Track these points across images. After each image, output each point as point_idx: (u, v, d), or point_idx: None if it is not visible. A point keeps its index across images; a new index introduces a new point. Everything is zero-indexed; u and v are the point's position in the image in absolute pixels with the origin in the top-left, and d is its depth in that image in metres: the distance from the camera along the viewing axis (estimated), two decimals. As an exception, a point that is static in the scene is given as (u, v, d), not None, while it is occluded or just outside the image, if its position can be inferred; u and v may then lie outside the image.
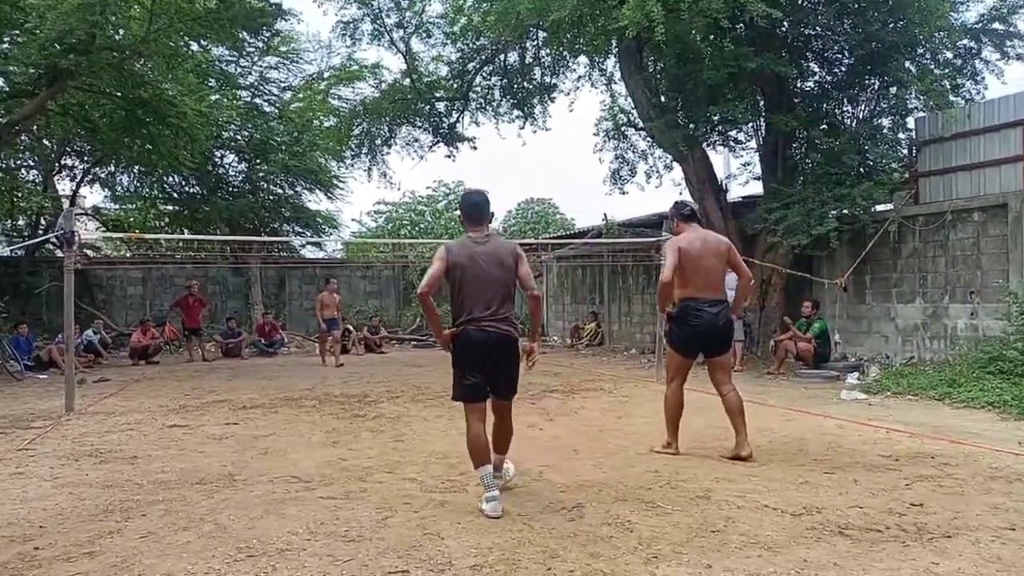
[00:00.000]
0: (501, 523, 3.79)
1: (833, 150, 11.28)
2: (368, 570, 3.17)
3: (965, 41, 11.39)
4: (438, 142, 17.09)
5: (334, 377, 11.40)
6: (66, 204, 16.69)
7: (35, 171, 17.97)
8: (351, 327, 16.24)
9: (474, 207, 4.47)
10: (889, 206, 11.09)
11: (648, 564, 3.19)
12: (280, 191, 19.73)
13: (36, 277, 16.60)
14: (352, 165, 18.73)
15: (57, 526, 3.89)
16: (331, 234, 21.58)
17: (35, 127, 14.51)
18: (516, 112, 16.49)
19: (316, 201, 20.59)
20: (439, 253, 4.33)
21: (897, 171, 11.50)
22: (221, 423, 7.21)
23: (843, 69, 12.17)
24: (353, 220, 27.61)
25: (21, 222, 18.13)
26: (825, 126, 11.90)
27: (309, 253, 22.18)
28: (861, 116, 11.98)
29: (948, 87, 11.16)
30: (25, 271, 16.56)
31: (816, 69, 12.68)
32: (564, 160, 58.00)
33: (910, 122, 11.47)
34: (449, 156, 17.21)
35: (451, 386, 4.37)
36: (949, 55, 11.42)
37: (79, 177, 18.17)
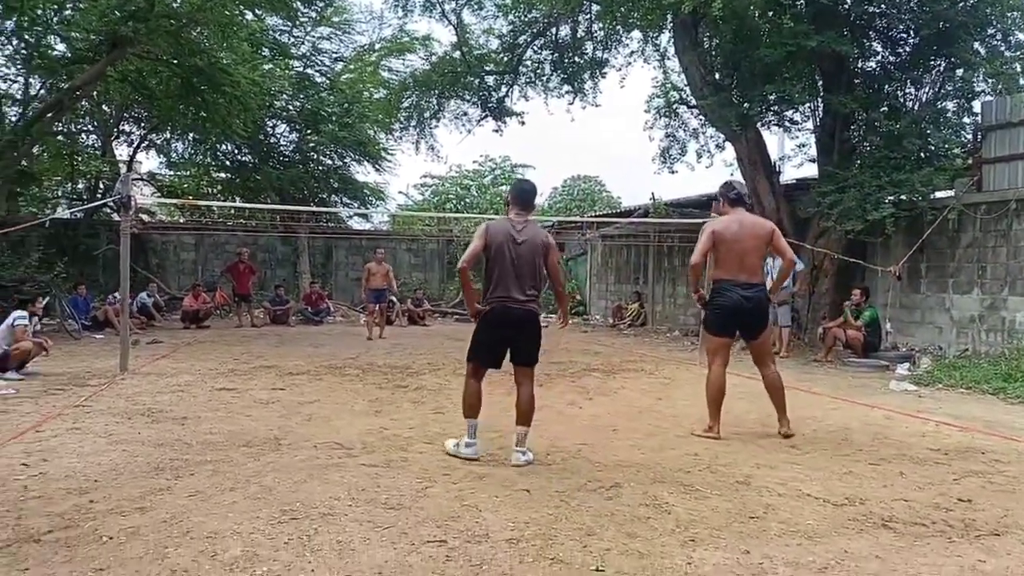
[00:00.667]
0: (538, 499, 3.81)
1: (893, 133, 10.89)
2: (407, 538, 3.22)
3: (1039, 22, 10.88)
4: (486, 116, 17.01)
5: (378, 348, 11.56)
6: (123, 169, 17.12)
7: (94, 136, 18.48)
8: (395, 298, 16.41)
9: (523, 193, 4.83)
10: (949, 193, 10.70)
11: (685, 547, 3.18)
12: (329, 162, 19.95)
13: (94, 240, 17.14)
14: (400, 138, 18.83)
15: (111, 481, 4.03)
16: (378, 206, 21.79)
17: (95, 93, 14.90)
18: (566, 87, 16.31)
19: (364, 173, 20.79)
20: (479, 230, 4.66)
21: (960, 157, 11.09)
22: (268, 388, 7.38)
23: (907, 49, 11.72)
24: (400, 192, 27.76)
25: (80, 186, 18.71)
26: (886, 108, 11.49)
27: (356, 224, 22.42)
28: (924, 99, 11.54)
29: (1019, 70, 10.68)
30: (83, 233, 17.09)
31: (879, 49, 12.21)
32: (613, 137, 57.36)
33: (976, 106, 11.01)
34: (497, 131, 17.15)
35: (472, 340, 4.76)
36: (1021, 36, 10.93)
37: (136, 143, 18.63)
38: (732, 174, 14.11)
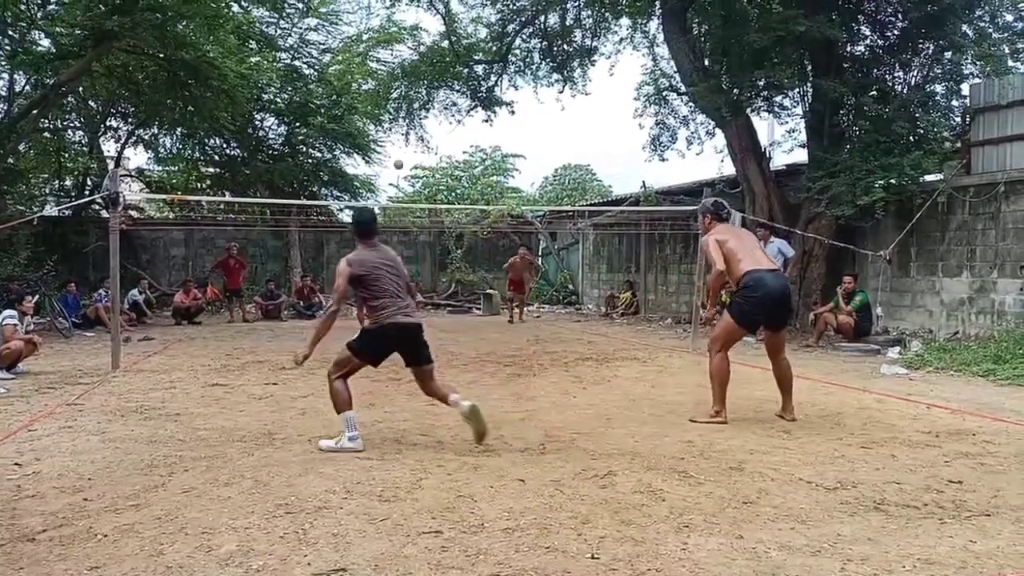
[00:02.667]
0: (533, 488, 3.82)
1: (882, 117, 10.91)
2: (403, 529, 3.23)
3: (1027, 3, 10.89)
4: (476, 106, 16.94)
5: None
6: (111, 165, 17.00)
7: (81, 132, 18.31)
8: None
9: (363, 224, 5.11)
10: (939, 176, 10.73)
11: (679, 533, 3.20)
12: (319, 154, 19.83)
13: (83, 237, 17.01)
14: (390, 129, 18.72)
15: (105, 479, 4.03)
16: (368, 198, 21.68)
17: (81, 88, 14.76)
18: (555, 76, 16.25)
19: (354, 165, 20.68)
20: (342, 267, 4.88)
21: (949, 140, 11.11)
22: (261, 383, 7.37)
23: (896, 33, 11.73)
24: (390, 184, 27.66)
25: (68, 182, 18.55)
26: (875, 92, 11.49)
27: (347, 217, 22.33)
28: (913, 82, 11.55)
29: (1007, 52, 10.69)
30: (72, 231, 16.96)
31: (867, 32, 12.22)
32: (603, 126, 57.27)
33: (964, 89, 11.04)
34: (487, 120, 17.07)
35: (356, 342, 4.95)
36: (1009, 18, 10.95)
37: (123, 138, 18.48)
38: (723, 161, 14.13)
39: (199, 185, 19.98)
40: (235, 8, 14.55)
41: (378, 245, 5.07)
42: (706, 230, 5.81)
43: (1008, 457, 4.53)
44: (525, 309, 16.33)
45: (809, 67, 12.16)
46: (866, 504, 3.60)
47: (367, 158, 20.30)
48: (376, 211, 5.51)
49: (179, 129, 17.53)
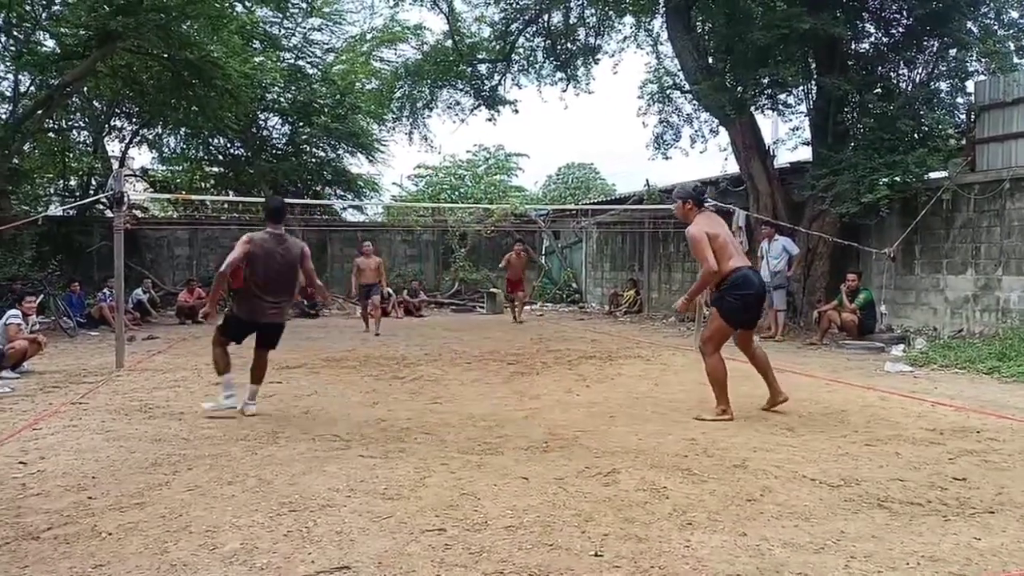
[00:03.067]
0: (536, 486, 3.82)
1: (887, 115, 10.88)
2: (406, 527, 3.23)
3: (1032, 0, 10.85)
4: (479, 105, 16.96)
5: (374, 340, 11.56)
6: (115, 165, 17.04)
7: (85, 132, 18.37)
8: (391, 290, 16.37)
9: (273, 210, 5.79)
10: (943, 174, 10.70)
11: (683, 531, 3.20)
12: (322, 154, 19.87)
13: (87, 236, 17.06)
14: (393, 128, 18.73)
15: (109, 477, 4.04)
16: (372, 198, 21.71)
17: (85, 89, 14.80)
18: (559, 74, 16.27)
19: (358, 164, 20.72)
20: (242, 240, 5.54)
21: (953, 137, 11.07)
22: (264, 381, 7.36)
23: (900, 30, 11.69)
24: (394, 184, 27.66)
25: (73, 182, 18.61)
26: (879, 90, 11.46)
27: (350, 216, 22.38)
28: (917, 80, 11.52)
29: (1012, 49, 10.65)
30: (76, 230, 17.01)
31: (872, 30, 12.19)
32: (606, 125, 57.24)
33: (969, 86, 11.00)
34: (490, 119, 17.11)
35: (224, 323, 5.87)
36: (1015, 15, 10.91)
37: (128, 138, 18.53)
38: (726, 159, 14.13)
39: (203, 185, 20.03)
40: (239, 8, 14.58)
41: (284, 235, 5.70)
42: (684, 216, 5.71)
43: (1012, 454, 4.51)
44: (525, 308, 16.12)
45: (813, 65, 12.14)
46: (870, 501, 3.59)
47: (371, 157, 20.35)
48: (284, 200, 6.45)
49: (183, 129, 17.59)
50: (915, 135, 10.85)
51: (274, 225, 5.67)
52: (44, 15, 12.72)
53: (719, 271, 5.43)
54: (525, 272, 15.68)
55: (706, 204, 5.87)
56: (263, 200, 6.12)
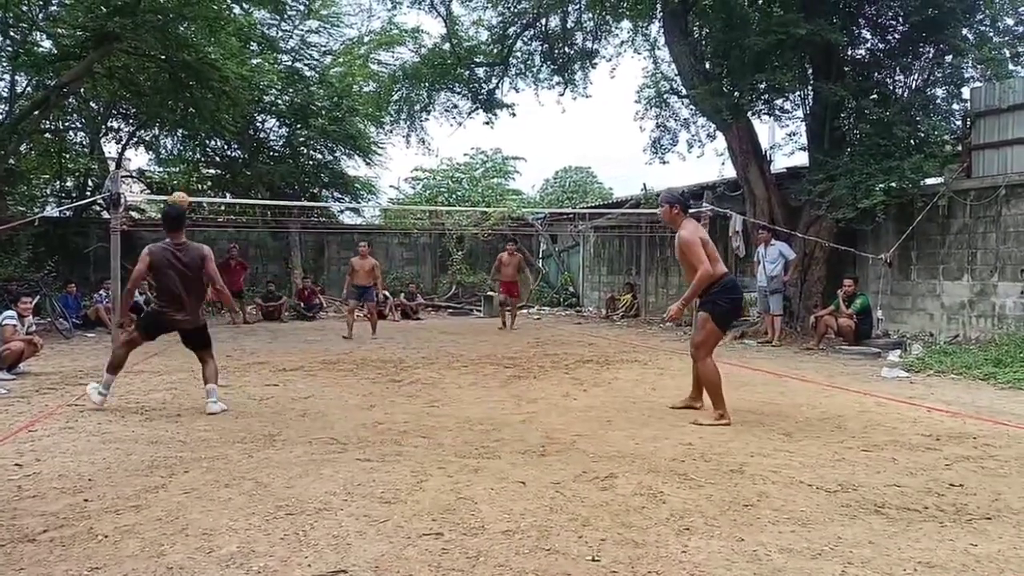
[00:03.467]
0: (533, 490, 3.82)
1: (883, 121, 10.92)
2: (403, 531, 3.23)
3: (1028, 7, 10.90)
4: (477, 108, 16.96)
5: (371, 343, 11.55)
6: (112, 166, 16.99)
7: (82, 133, 18.32)
8: (388, 293, 16.36)
9: (170, 219, 6.00)
10: (939, 180, 10.74)
11: (680, 536, 3.20)
12: (320, 156, 19.86)
13: (84, 238, 17.01)
14: (391, 131, 18.72)
15: (105, 479, 4.02)
16: (369, 200, 21.71)
17: (82, 90, 14.77)
18: (556, 78, 16.27)
19: (355, 167, 20.70)
20: (143, 254, 5.84)
21: (949, 143, 11.12)
22: (261, 384, 7.37)
23: (897, 36, 11.73)
24: (391, 187, 27.69)
25: (69, 183, 18.54)
26: (875, 96, 11.51)
27: (347, 219, 22.33)
28: (914, 86, 11.56)
29: (1008, 56, 10.70)
30: (73, 232, 16.96)
31: (868, 36, 12.23)
32: (604, 129, 57.33)
33: (965, 92, 11.04)
34: (488, 123, 17.10)
35: (144, 319, 6.32)
36: (1010, 22, 10.96)
37: (124, 140, 18.48)
38: (723, 163, 14.14)
39: (200, 186, 19.97)
40: (236, 10, 14.57)
41: (185, 243, 5.94)
42: (671, 220, 5.84)
43: (1009, 460, 4.53)
44: (519, 312, 15.20)
45: (810, 70, 12.18)
46: (867, 507, 3.60)
47: (368, 160, 20.33)
48: (183, 210, 6.48)
49: (180, 130, 17.54)
50: (911, 141, 10.89)
51: (173, 234, 5.91)
52: (41, 16, 12.68)
53: (713, 274, 5.49)
54: (519, 274, 14.71)
55: (689, 206, 6.01)
56: (164, 212, 6.37)
